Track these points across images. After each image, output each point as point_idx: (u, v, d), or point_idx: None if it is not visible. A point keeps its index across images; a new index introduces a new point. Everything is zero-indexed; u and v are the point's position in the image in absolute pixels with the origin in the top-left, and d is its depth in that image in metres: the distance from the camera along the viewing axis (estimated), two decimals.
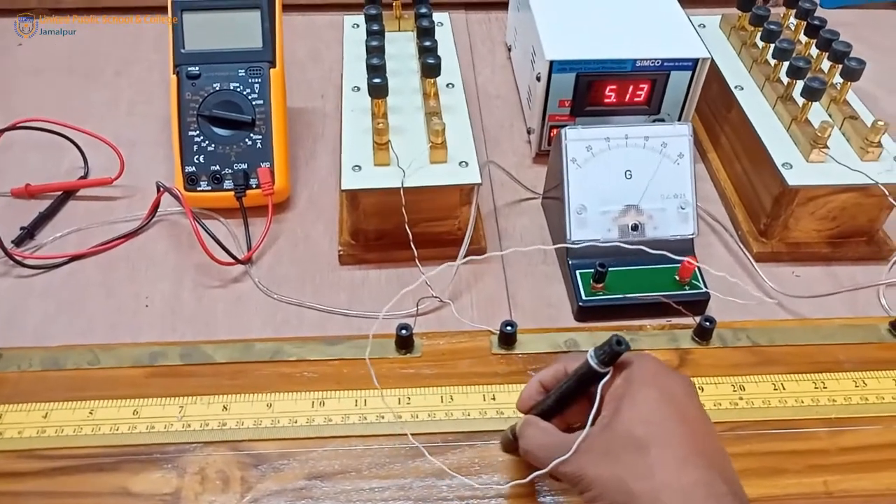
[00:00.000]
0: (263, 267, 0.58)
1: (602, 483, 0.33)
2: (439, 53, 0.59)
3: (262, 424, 0.44)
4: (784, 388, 0.47)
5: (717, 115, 0.68)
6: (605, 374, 0.35)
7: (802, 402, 0.46)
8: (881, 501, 0.43)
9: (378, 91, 0.56)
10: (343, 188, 0.53)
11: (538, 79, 0.63)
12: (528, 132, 0.70)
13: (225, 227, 0.61)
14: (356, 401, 0.46)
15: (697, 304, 0.55)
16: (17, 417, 0.44)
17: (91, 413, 0.44)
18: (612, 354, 0.35)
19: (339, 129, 0.70)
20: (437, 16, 0.70)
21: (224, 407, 0.45)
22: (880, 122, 0.55)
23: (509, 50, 0.82)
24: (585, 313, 0.54)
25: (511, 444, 0.40)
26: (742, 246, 0.60)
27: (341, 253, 0.58)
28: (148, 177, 0.64)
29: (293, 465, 0.43)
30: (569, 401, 0.38)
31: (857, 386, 0.47)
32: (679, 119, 0.66)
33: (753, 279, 0.58)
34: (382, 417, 0.45)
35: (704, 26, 0.72)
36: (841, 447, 0.44)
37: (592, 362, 0.35)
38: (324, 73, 0.78)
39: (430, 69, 0.58)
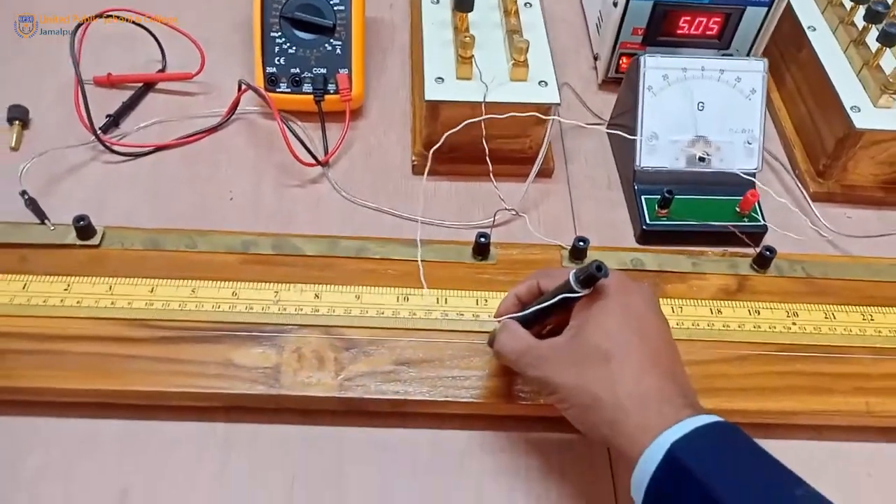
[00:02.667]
0: (339, 171, 0.61)
1: (568, 388, 0.38)
2: None
3: (352, 313, 0.48)
4: (834, 318, 0.50)
5: (784, 55, 0.69)
6: (581, 295, 0.38)
7: (850, 330, 0.50)
8: None
9: (463, 4, 0.57)
10: (426, 99, 0.55)
11: (615, 4, 0.64)
12: (595, 58, 0.71)
13: (302, 131, 0.63)
14: (437, 299, 0.49)
15: (754, 236, 0.57)
16: (125, 290, 0.48)
17: (193, 291, 0.48)
18: (591, 278, 0.38)
19: (410, 41, 0.72)
20: None
21: (316, 295, 0.48)
22: None
23: None
24: (648, 236, 0.57)
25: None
26: (799, 184, 0.62)
27: (415, 163, 0.61)
28: (224, 75, 0.65)
29: (381, 351, 0.47)
30: (546, 314, 0.41)
31: None
32: (748, 55, 0.67)
33: (808, 216, 0.60)
34: (461, 315, 0.48)
35: None
36: (883, 373, 0.48)
37: (573, 283, 0.38)
38: None
39: None
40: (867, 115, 0.57)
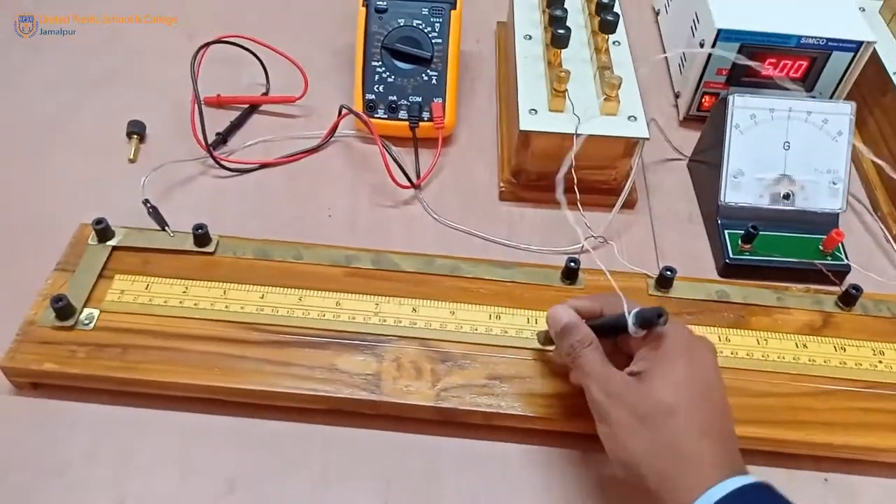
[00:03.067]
0: (430, 193, 0.64)
1: (625, 431, 0.39)
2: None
3: (447, 328, 0.50)
4: None
5: (867, 98, 0.70)
6: (636, 335, 0.40)
7: None
8: None
9: (560, 41, 0.60)
10: (521, 129, 0.58)
11: (701, 45, 0.66)
12: (676, 96, 0.73)
13: (396, 154, 0.66)
14: (528, 319, 0.51)
15: (837, 275, 0.58)
16: (238, 295, 0.51)
17: (300, 299, 0.51)
18: (649, 323, 0.39)
19: (497, 73, 0.75)
20: None
21: (413, 309, 0.51)
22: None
23: (656, 14, 0.84)
24: (730, 270, 0.59)
25: (548, 340, 0.46)
26: (882, 226, 0.63)
27: (502, 189, 0.63)
28: (323, 99, 0.69)
29: (475, 365, 0.49)
30: (598, 335, 0.42)
31: None
32: (830, 98, 0.68)
33: (890, 258, 0.61)
34: None
35: (864, 10, 0.73)
36: None
37: (631, 323, 0.40)
38: (479, 18, 0.82)
39: (608, 25, 0.62)
40: None
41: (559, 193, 0.45)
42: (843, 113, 0.60)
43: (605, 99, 0.59)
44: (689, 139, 0.68)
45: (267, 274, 0.53)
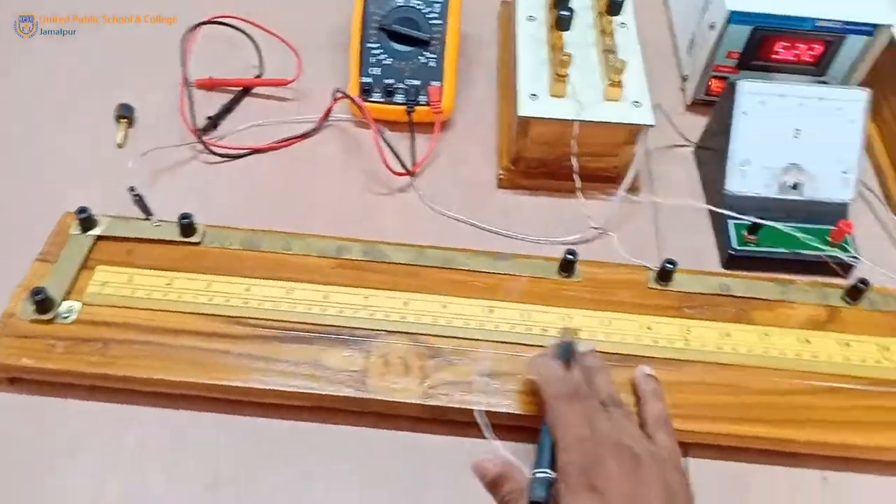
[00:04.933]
0: (425, 181, 0.62)
1: None
2: None
3: (439, 322, 0.49)
4: None
5: (884, 85, 0.67)
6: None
7: None
8: None
9: (563, 23, 0.57)
10: (519, 114, 0.56)
11: (711, 27, 0.64)
12: (684, 79, 0.71)
13: (391, 139, 0.64)
14: (521, 313, 0.50)
15: (844, 268, 0.56)
16: (223, 287, 0.50)
17: (288, 292, 0.50)
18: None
19: (498, 57, 0.73)
20: None
21: (404, 302, 0.50)
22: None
23: None
24: (734, 261, 0.57)
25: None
26: (894, 216, 0.60)
27: (501, 177, 0.62)
28: (318, 82, 0.67)
29: (465, 361, 0.47)
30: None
31: None
32: (844, 83, 0.65)
33: None
34: (546, 331, 0.49)
35: None
36: None
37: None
38: (481, 1, 0.79)
39: (614, 7, 0.59)
40: None
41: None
42: (857, 100, 0.57)
43: (608, 84, 0.57)
44: (696, 125, 0.66)
45: (254, 265, 0.51)
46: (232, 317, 0.48)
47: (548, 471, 0.38)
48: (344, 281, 0.51)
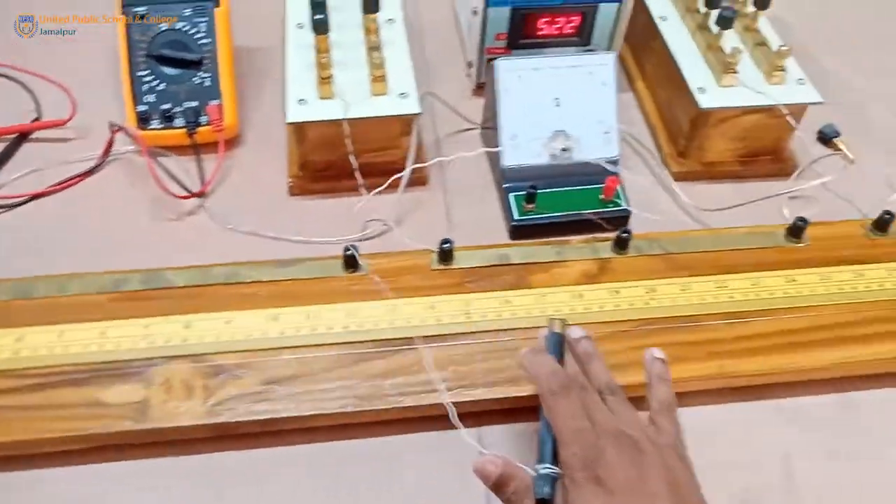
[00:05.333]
0: (217, 200, 0.62)
1: None
2: None
3: (222, 339, 0.49)
4: (690, 289, 0.53)
5: (643, 46, 0.72)
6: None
7: (705, 299, 0.52)
8: (763, 379, 0.50)
9: (319, 27, 0.58)
10: (288, 121, 0.57)
11: (474, 13, 0.66)
12: (469, 65, 0.73)
13: (179, 164, 0.64)
14: (308, 315, 0.50)
15: (621, 220, 0.60)
16: None
17: (61, 335, 0.48)
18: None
19: (282, 67, 0.73)
20: None
21: (185, 325, 0.49)
22: (784, 48, 0.60)
23: None
24: (518, 232, 0.59)
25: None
26: (663, 166, 0.65)
27: (290, 184, 0.62)
28: (100, 116, 0.66)
29: (251, 373, 0.47)
30: None
31: (752, 285, 0.53)
32: (608, 49, 0.70)
33: (672, 196, 0.63)
34: (331, 328, 0.50)
35: None
36: (736, 336, 0.50)
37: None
38: (272, 11, 0.79)
39: (369, 5, 0.61)
40: (712, 94, 0.60)
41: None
42: (604, 63, 0.61)
43: (372, 79, 0.58)
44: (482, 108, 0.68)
45: (27, 313, 0.50)
46: (3, 370, 0.47)
47: (551, 466, 0.38)
48: (122, 314, 0.50)
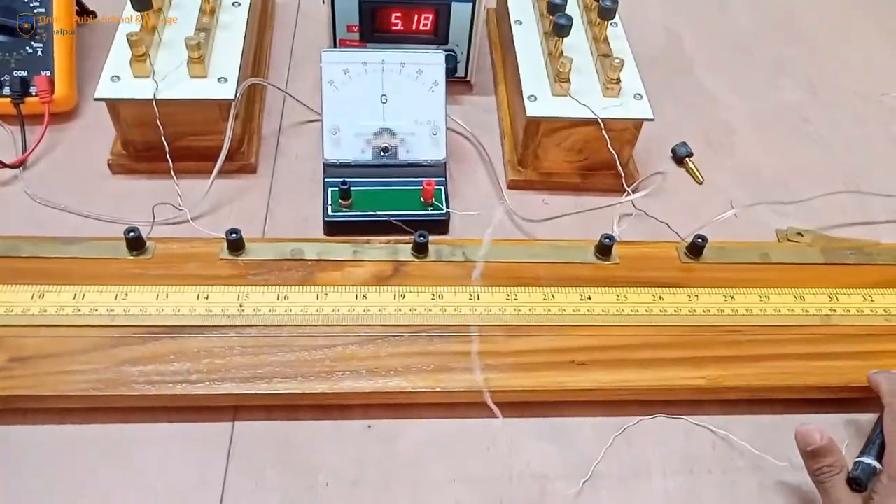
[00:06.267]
0: (36, 173, 0.61)
1: None
2: None
3: None
4: (478, 298, 0.51)
5: (507, 49, 0.70)
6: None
7: (491, 310, 0.51)
8: (528, 396, 0.48)
9: (138, 2, 0.57)
10: (95, 97, 0.56)
11: (323, 2, 0.65)
12: None
13: (6, 133, 0.63)
14: (75, 295, 0.49)
15: (439, 224, 0.59)
16: None
17: None
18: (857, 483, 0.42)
19: None
20: None
21: None
22: (617, 60, 0.58)
23: None
24: (332, 227, 0.58)
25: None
26: (502, 173, 0.64)
27: (111, 162, 0.61)
28: None
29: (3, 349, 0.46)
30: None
31: (544, 299, 0.52)
32: (468, 49, 0.68)
33: (503, 205, 0.62)
34: (96, 310, 0.48)
35: None
36: (514, 350, 0.49)
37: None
38: None
39: None
40: (542, 103, 0.59)
41: None
42: (436, 63, 0.60)
43: (189, 61, 0.57)
44: None
45: None
46: None
47: (874, 460, 0.42)
48: None
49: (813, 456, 0.43)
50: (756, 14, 0.86)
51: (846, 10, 0.88)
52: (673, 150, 0.68)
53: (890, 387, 0.45)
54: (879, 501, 0.40)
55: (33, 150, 0.61)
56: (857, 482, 0.42)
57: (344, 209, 0.58)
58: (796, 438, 0.44)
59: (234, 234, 0.52)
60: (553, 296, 0.52)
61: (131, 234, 0.52)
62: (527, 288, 0.52)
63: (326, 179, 0.59)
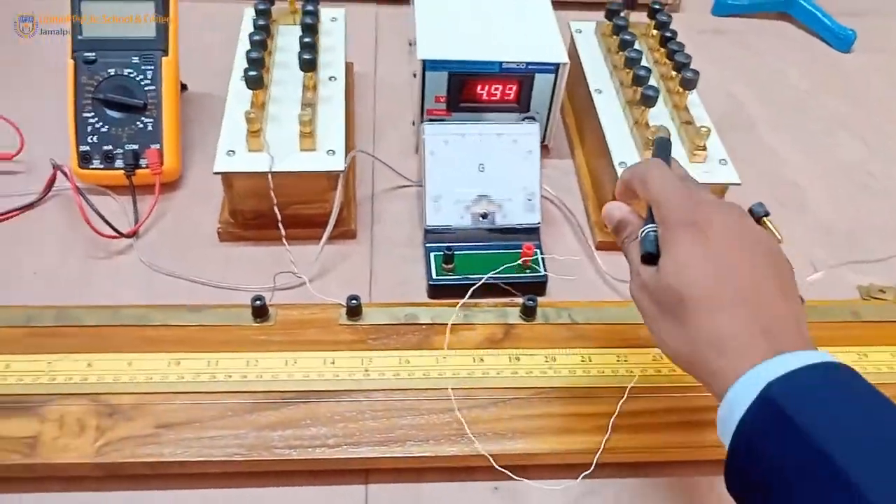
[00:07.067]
0: (149, 242, 0.64)
1: (652, 331, 0.41)
2: (328, 48, 0.65)
3: (121, 380, 0.50)
4: (590, 360, 0.54)
5: (584, 115, 0.74)
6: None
7: (604, 372, 0.53)
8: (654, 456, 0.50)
9: (252, 82, 0.61)
10: (214, 171, 0.59)
11: (414, 75, 0.69)
12: (413, 124, 0.76)
13: (118, 204, 0.66)
14: (209, 362, 0.51)
15: (538, 286, 0.61)
16: None
17: None
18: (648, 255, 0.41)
19: None
20: (334, 11, 0.76)
21: (88, 364, 0.50)
22: (704, 128, 0.62)
23: (410, 45, 0.87)
24: (436, 291, 0.60)
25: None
26: (589, 235, 0.66)
27: (220, 230, 0.64)
28: (47, 154, 0.68)
29: (144, 416, 0.48)
30: None
31: (654, 360, 0.54)
32: (548, 117, 0.72)
33: (594, 265, 0.64)
34: (230, 377, 0.51)
35: (581, 31, 0.78)
36: (628, 410, 0.51)
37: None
38: (230, 61, 0.83)
39: (306, 64, 0.63)
40: None
41: None
42: (529, 133, 0.63)
43: (300, 135, 0.60)
44: None
45: None
46: None
47: (652, 224, 0.41)
48: (29, 349, 0.51)
49: (616, 231, 0.45)
50: (812, 76, 0.90)
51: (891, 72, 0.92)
52: (750, 210, 0.70)
53: (652, 174, 0.42)
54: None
55: (146, 219, 0.64)
56: (650, 256, 0.40)
57: (447, 272, 0.61)
58: (603, 219, 0.46)
59: (353, 301, 0.55)
60: (661, 356, 0.54)
61: (257, 301, 0.54)
62: (634, 350, 0.54)
63: (428, 244, 0.62)
